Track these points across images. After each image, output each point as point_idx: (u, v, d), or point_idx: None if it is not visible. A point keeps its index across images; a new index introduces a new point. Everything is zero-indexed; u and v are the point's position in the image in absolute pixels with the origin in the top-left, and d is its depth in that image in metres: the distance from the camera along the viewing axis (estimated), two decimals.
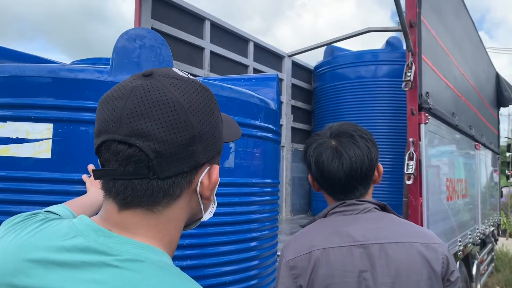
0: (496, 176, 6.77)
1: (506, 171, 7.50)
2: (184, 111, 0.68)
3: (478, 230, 4.60)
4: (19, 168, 1.58)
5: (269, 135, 2.22)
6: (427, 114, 2.77)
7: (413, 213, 2.62)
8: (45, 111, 1.59)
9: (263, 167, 2.14)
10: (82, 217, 0.72)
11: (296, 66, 6.20)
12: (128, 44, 1.68)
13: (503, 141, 8.01)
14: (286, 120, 5.93)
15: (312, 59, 6.76)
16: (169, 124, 0.66)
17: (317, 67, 6.32)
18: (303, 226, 1.39)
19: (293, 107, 6.08)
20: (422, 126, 2.70)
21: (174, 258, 1.75)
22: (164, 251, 0.71)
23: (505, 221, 11.77)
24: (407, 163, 2.58)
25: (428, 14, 2.97)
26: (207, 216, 0.83)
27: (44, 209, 0.89)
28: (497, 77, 6.70)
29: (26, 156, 1.58)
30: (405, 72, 2.61)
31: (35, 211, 0.86)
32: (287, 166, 5.85)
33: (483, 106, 5.52)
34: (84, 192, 1.46)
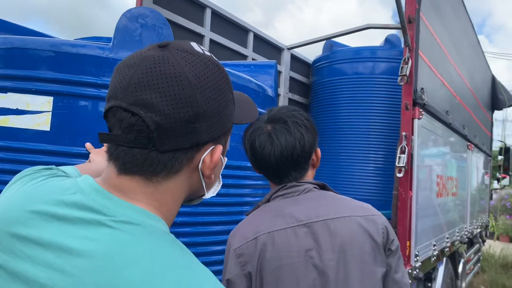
0: (487, 179, 6.84)
1: (497, 174, 7.57)
2: (191, 87, 0.68)
3: (466, 229, 4.67)
4: (18, 139, 1.61)
5: None
6: (421, 110, 2.81)
7: (402, 206, 2.67)
8: (45, 84, 1.62)
9: None
10: (85, 176, 0.75)
11: (295, 59, 6.22)
12: (130, 23, 1.70)
13: (496, 145, 8.09)
14: None
15: (312, 54, 6.77)
16: (173, 98, 0.67)
17: (315, 61, 6.33)
18: (247, 214, 1.40)
19: (290, 100, 6.10)
20: (416, 121, 2.74)
21: None
22: (160, 218, 0.72)
23: (493, 224, 11.91)
24: (399, 156, 2.63)
25: (427, 11, 3.00)
26: (209, 194, 0.85)
27: (56, 167, 0.91)
28: (493, 80, 6.76)
29: (26, 127, 1.61)
30: (402, 67, 2.65)
31: (48, 166, 0.88)
32: None
33: (478, 107, 5.58)
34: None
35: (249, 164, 2.13)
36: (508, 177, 7.59)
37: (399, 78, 2.65)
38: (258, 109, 2.13)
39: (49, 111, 1.62)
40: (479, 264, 6.76)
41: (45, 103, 1.61)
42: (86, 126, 1.64)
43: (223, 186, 1.92)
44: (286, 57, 6.03)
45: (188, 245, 1.77)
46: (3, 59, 1.64)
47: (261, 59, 5.46)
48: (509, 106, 6.86)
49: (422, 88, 2.84)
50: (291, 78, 6.14)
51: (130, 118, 0.67)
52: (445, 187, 3.60)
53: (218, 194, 1.89)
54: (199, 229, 1.82)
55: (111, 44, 1.69)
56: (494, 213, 13.11)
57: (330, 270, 1.22)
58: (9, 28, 2.05)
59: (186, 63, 0.69)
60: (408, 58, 2.65)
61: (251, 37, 5.30)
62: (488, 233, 7.32)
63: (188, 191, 0.79)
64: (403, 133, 2.66)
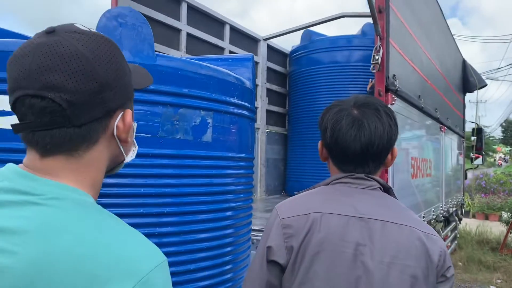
0: (461, 159, 7.09)
1: (471, 154, 7.84)
2: (89, 61, 0.73)
3: (441, 208, 4.86)
4: (4, 139, 1.65)
5: (245, 112, 2.34)
6: (393, 96, 2.94)
7: None
8: None
9: (238, 142, 2.26)
10: (9, 164, 0.79)
11: (271, 50, 6.31)
12: (110, 23, 1.76)
13: (470, 126, 8.37)
14: (261, 103, 6.04)
15: (288, 43, 6.87)
16: (76, 75, 0.72)
17: (293, 51, 6.43)
18: (298, 193, 1.34)
19: (268, 90, 6.20)
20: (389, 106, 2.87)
21: (156, 225, 1.87)
22: (86, 192, 0.78)
23: (469, 202, 12.31)
24: None
25: (397, 1, 3.11)
26: (129, 158, 0.91)
27: None
28: (464, 63, 6.97)
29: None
30: (374, 55, 2.76)
31: None
32: (262, 148, 5.98)
33: (450, 90, 5.77)
34: None
35: (231, 154, 2.22)
36: (480, 157, 7.86)
37: (372, 66, 2.77)
38: (238, 101, 2.22)
39: None
40: (456, 242, 7.03)
41: None
42: None
43: (208, 176, 2.00)
44: (262, 48, 6.11)
45: (177, 233, 1.85)
46: None
47: (238, 51, 5.53)
48: (479, 88, 7.10)
49: (394, 75, 2.97)
50: (268, 68, 6.23)
51: (40, 103, 0.71)
52: (420, 168, 3.76)
53: (203, 184, 1.98)
54: (187, 218, 1.90)
55: None
56: (470, 192, 13.55)
57: (378, 272, 1.14)
58: None
59: (78, 42, 0.74)
60: (379, 47, 2.76)
61: (227, 29, 5.35)
62: (464, 212, 7.60)
63: (109, 159, 0.85)
64: None
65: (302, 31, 6.39)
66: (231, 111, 2.19)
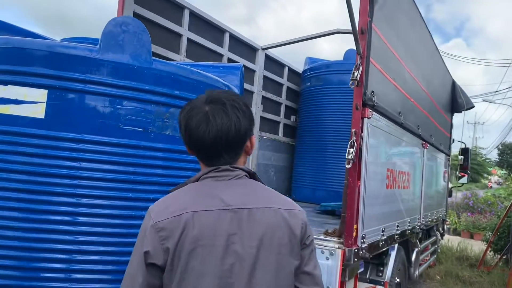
0: (445, 176, 7.34)
1: (456, 172, 8.10)
2: None
3: (419, 220, 5.11)
4: (16, 124, 1.91)
5: None
6: (370, 110, 3.19)
7: (350, 193, 3.04)
8: (41, 79, 1.92)
9: None
10: None
11: (269, 59, 6.58)
12: (115, 29, 2.01)
13: (458, 146, 8.61)
14: (256, 110, 6.30)
15: (287, 53, 7.22)
16: None
17: (304, 71, 7.17)
18: (171, 190, 1.38)
19: (263, 97, 6.47)
20: (365, 120, 3.12)
21: (143, 209, 2.07)
22: None
23: (456, 220, 12.56)
24: (348, 150, 3.00)
25: (381, 23, 3.38)
26: None
27: None
28: (453, 84, 7.25)
29: (23, 115, 1.91)
30: (353, 72, 3.01)
31: None
32: (254, 153, 6.23)
33: (436, 110, 6.03)
34: (70, 149, 1.81)
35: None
36: (466, 176, 8.11)
37: (351, 82, 3.03)
38: None
39: (44, 102, 1.92)
40: (435, 256, 7.26)
41: (41, 95, 1.92)
42: (74, 115, 1.94)
43: (194, 170, 2.24)
44: (260, 57, 6.38)
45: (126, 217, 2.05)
46: (5, 56, 1.94)
47: (236, 58, 5.79)
48: (467, 109, 7.37)
49: (373, 91, 3.22)
50: (265, 77, 6.49)
51: None
52: (395, 180, 4.01)
53: (187, 177, 2.21)
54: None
55: (98, 46, 2.00)
56: (458, 210, 13.79)
57: (249, 257, 1.26)
58: (7, 28, 2.33)
59: None
60: (359, 65, 3.02)
61: (227, 37, 5.62)
62: (449, 229, 7.83)
63: None
64: (353, 130, 3.03)
65: (301, 42, 6.70)
66: None
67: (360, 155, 3.08)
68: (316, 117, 6.58)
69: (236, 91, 2.62)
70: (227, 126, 1.31)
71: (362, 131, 3.09)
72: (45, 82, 1.92)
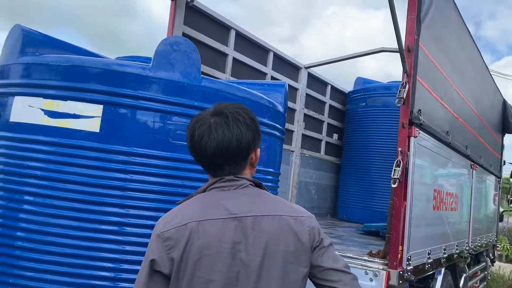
0: (496, 200, 7.03)
1: (508, 196, 7.73)
2: None
3: (467, 244, 4.90)
4: (74, 137, 2.02)
5: (275, 132, 2.63)
6: (417, 129, 3.13)
7: (396, 214, 2.98)
8: (97, 95, 2.03)
9: (267, 158, 2.54)
10: None
11: (312, 77, 6.61)
12: (167, 48, 2.11)
13: (510, 168, 8.25)
14: (298, 127, 6.31)
15: (330, 71, 7.24)
16: None
17: (351, 92, 7.28)
18: (179, 203, 1.40)
19: (305, 115, 6.48)
20: (412, 139, 3.06)
21: None
22: None
23: (508, 247, 11.90)
24: (394, 169, 2.95)
25: (428, 42, 3.34)
26: None
27: None
28: (504, 104, 6.98)
29: (80, 128, 2.02)
30: (399, 90, 2.98)
31: None
32: (295, 170, 6.22)
33: (485, 130, 5.82)
34: (122, 161, 1.89)
35: (258, 167, 2.50)
36: None
37: (397, 100, 2.99)
38: (270, 122, 2.51)
39: (99, 117, 2.02)
40: (485, 283, 6.91)
41: (97, 110, 2.02)
42: (127, 130, 2.04)
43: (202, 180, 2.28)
44: (303, 75, 6.42)
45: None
46: (65, 74, 2.07)
47: (279, 77, 5.86)
48: None
49: (420, 110, 3.17)
50: (307, 95, 6.51)
51: None
52: (443, 201, 3.88)
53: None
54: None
55: (150, 65, 2.09)
56: (510, 236, 13.08)
57: (254, 264, 1.27)
58: (66, 47, 2.49)
59: None
60: (406, 83, 2.99)
61: (271, 56, 5.71)
62: (496, 253, 7.46)
63: None
64: (399, 149, 2.99)
65: (344, 61, 6.70)
66: (262, 130, 2.48)
67: (406, 175, 3.01)
68: (364, 138, 6.62)
69: (280, 108, 2.66)
70: (228, 138, 1.33)
71: (408, 150, 3.04)
72: (101, 98, 2.03)
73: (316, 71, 6.73)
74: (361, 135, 6.76)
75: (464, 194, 4.70)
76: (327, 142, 7.10)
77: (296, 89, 6.32)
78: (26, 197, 2.03)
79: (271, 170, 2.63)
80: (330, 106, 7.16)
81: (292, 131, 6.23)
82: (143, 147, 2.04)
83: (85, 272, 2.03)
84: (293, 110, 6.27)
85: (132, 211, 2.06)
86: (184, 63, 2.11)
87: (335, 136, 7.35)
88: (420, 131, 3.21)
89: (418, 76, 3.15)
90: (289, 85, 6.06)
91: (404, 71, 3.02)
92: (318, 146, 6.96)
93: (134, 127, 2.03)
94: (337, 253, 1.43)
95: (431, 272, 3.76)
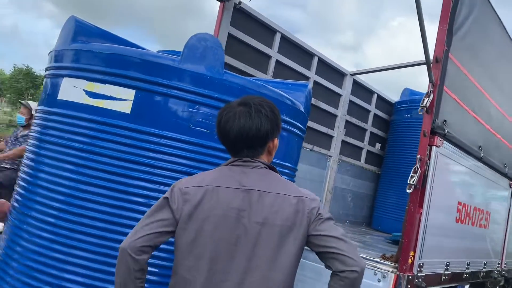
0: None
1: None
2: None
3: (499, 266, 4.78)
4: (108, 116, 2.30)
5: (295, 130, 2.79)
6: (440, 139, 3.17)
7: (410, 219, 3.03)
8: (131, 81, 2.30)
9: (284, 152, 2.71)
10: None
11: (357, 85, 6.65)
12: (195, 43, 2.35)
13: None
14: (338, 133, 6.38)
15: (374, 80, 7.26)
16: None
17: (397, 103, 7.32)
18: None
19: (347, 122, 6.53)
20: (434, 148, 3.11)
21: None
22: None
23: None
24: (411, 175, 3.01)
25: (460, 53, 3.35)
26: None
27: None
28: None
29: (114, 109, 2.30)
30: (423, 99, 3.04)
31: None
32: (331, 175, 6.29)
33: None
34: (147, 141, 2.15)
35: (276, 161, 2.68)
36: None
37: (419, 108, 3.05)
38: (289, 119, 2.68)
39: (131, 100, 2.30)
40: None
41: (130, 94, 2.30)
42: (154, 113, 2.29)
43: (216, 164, 2.47)
44: (348, 82, 6.49)
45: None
46: (105, 61, 2.36)
47: (322, 82, 5.98)
48: None
49: (445, 120, 3.20)
50: (351, 102, 6.56)
51: None
52: (469, 215, 3.85)
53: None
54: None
55: (180, 57, 2.34)
56: None
57: (253, 232, 1.50)
58: (113, 38, 2.80)
59: None
60: (430, 93, 3.04)
61: (315, 60, 5.84)
62: None
63: None
64: (418, 156, 3.05)
65: (389, 71, 6.70)
66: (282, 126, 2.66)
67: (424, 182, 3.07)
68: (406, 149, 6.56)
69: (301, 107, 2.82)
70: (248, 126, 1.57)
71: (429, 159, 3.09)
72: (134, 83, 2.30)
73: (362, 79, 6.77)
74: (403, 146, 6.73)
75: (499, 213, 4.59)
76: (368, 151, 7.10)
77: (340, 95, 6.39)
78: (65, 165, 2.34)
79: (288, 164, 2.80)
80: (375, 115, 7.15)
81: (331, 136, 6.31)
82: (166, 130, 2.28)
83: (111, 236, 2.29)
84: (334, 116, 6.35)
85: (158, 187, 2.29)
86: (209, 57, 2.34)
87: (378, 145, 7.32)
88: (444, 141, 3.24)
89: (446, 87, 3.19)
90: (332, 91, 6.19)
91: (430, 81, 3.07)
92: (359, 154, 6.98)
93: (159, 111, 2.28)
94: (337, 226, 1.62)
95: (450, 285, 3.74)
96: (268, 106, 1.65)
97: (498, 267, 4.75)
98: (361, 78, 6.75)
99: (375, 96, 7.10)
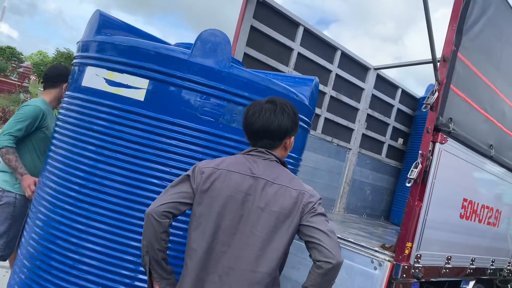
0: None
1: None
2: None
3: (509, 264, 4.80)
4: (124, 103, 2.54)
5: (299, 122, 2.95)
6: (445, 136, 3.26)
7: (408, 212, 3.15)
8: (146, 71, 2.53)
9: None
10: None
11: (381, 79, 6.68)
12: (205, 38, 2.54)
13: None
14: (359, 126, 6.47)
15: (398, 74, 7.26)
16: None
17: (422, 98, 7.32)
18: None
19: (369, 116, 6.59)
20: (437, 144, 3.20)
21: None
22: None
23: None
24: (412, 170, 3.13)
25: (471, 53, 3.40)
26: None
27: None
28: None
29: (129, 96, 2.53)
30: (428, 97, 3.13)
31: None
32: (350, 168, 6.40)
33: None
34: (156, 126, 2.38)
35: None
36: None
37: (423, 105, 3.15)
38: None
39: (145, 89, 2.52)
40: None
41: (144, 83, 2.53)
42: (166, 101, 2.51)
43: (220, 151, 2.66)
44: (371, 76, 6.54)
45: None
46: (123, 52, 2.60)
47: (344, 75, 6.06)
48: None
49: (450, 118, 3.28)
50: (373, 96, 6.61)
51: None
52: (476, 212, 3.91)
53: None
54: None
55: (190, 51, 2.55)
56: None
57: (254, 214, 1.77)
58: (135, 31, 3.04)
59: None
60: (436, 90, 3.13)
61: (338, 54, 5.93)
62: None
63: None
64: (420, 152, 3.15)
65: (413, 66, 6.70)
66: None
67: (425, 177, 3.17)
68: None
69: (306, 100, 2.97)
70: (271, 120, 1.86)
71: (431, 155, 3.19)
72: (148, 74, 2.52)
73: (386, 73, 6.80)
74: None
75: (508, 211, 4.60)
76: (389, 145, 7.14)
77: (362, 89, 6.46)
78: (85, 145, 2.60)
79: (292, 154, 2.97)
80: (398, 109, 7.17)
81: (352, 129, 6.41)
82: (175, 117, 2.49)
83: (126, 211, 2.53)
84: (356, 109, 6.43)
85: (172, 170, 2.52)
86: (217, 52, 2.52)
87: (400, 140, 7.34)
88: (449, 139, 3.33)
89: (453, 85, 3.26)
90: (355, 85, 6.25)
91: (436, 79, 3.16)
92: (380, 148, 7.04)
93: (170, 99, 2.50)
94: (329, 223, 1.82)
95: (452, 279, 3.84)
96: (291, 107, 1.94)
97: (509, 265, 4.77)
98: (385, 73, 6.77)
99: (399, 91, 7.12)
